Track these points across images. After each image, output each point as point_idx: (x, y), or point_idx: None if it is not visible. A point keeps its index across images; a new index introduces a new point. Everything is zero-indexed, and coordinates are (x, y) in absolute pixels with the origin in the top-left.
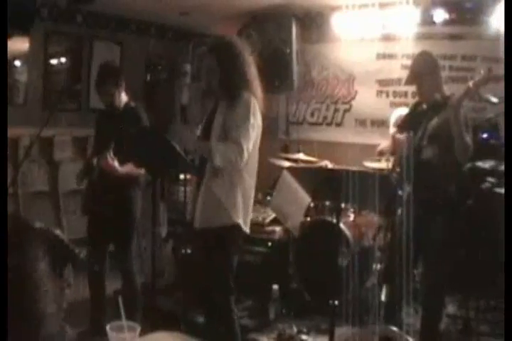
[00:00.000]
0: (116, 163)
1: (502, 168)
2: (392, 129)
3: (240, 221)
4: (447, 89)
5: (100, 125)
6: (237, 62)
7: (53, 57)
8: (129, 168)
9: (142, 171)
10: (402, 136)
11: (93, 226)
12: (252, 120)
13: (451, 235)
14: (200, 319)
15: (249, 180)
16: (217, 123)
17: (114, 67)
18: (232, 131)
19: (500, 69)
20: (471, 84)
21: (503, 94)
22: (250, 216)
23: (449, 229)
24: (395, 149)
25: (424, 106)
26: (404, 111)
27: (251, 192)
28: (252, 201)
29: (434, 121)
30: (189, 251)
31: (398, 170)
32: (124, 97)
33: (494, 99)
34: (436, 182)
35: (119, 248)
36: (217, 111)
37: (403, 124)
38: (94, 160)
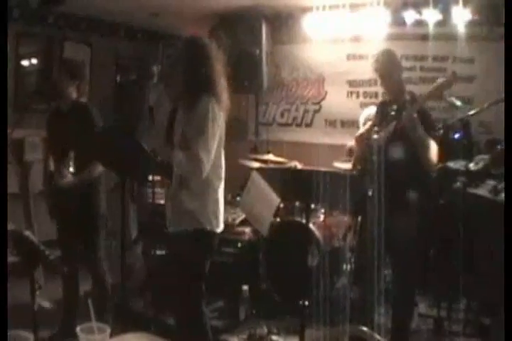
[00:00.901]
0: (69, 176)
1: (473, 167)
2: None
3: (211, 224)
4: (418, 90)
5: (51, 126)
6: (206, 64)
7: (24, 58)
8: (85, 176)
9: (99, 172)
10: (368, 136)
11: (61, 228)
12: (210, 128)
13: (422, 235)
14: (171, 320)
15: (217, 182)
16: (177, 130)
17: (72, 62)
18: (191, 141)
19: (471, 69)
20: (433, 87)
21: (473, 93)
22: (222, 216)
23: (421, 229)
24: (360, 149)
25: (394, 106)
26: (373, 109)
27: (220, 193)
28: (221, 201)
29: (399, 121)
30: (159, 252)
31: (359, 167)
32: (74, 94)
33: (458, 103)
34: (401, 182)
35: (87, 249)
36: (177, 114)
37: (374, 123)
38: (51, 165)
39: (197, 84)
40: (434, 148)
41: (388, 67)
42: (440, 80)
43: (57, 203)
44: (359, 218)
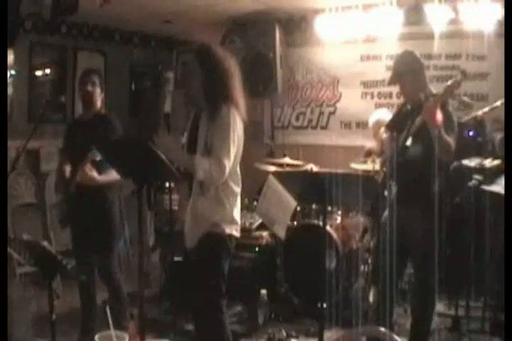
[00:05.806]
0: (95, 173)
1: (488, 165)
2: (372, 130)
3: (231, 228)
4: (433, 89)
5: (70, 135)
6: (220, 72)
7: (38, 68)
8: (110, 177)
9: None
10: (387, 137)
11: (75, 237)
12: (231, 135)
13: (438, 233)
14: (190, 326)
15: (236, 188)
16: (201, 138)
17: (95, 70)
18: (213, 147)
19: (484, 67)
20: (443, 90)
21: (488, 91)
22: (239, 221)
23: (437, 228)
24: (381, 150)
25: (408, 106)
26: (383, 111)
27: (238, 200)
28: (239, 207)
29: (417, 122)
30: (177, 259)
31: (385, 170)
32: (99, 103)
33: (467, 100)
34: (421, 182)
35: (101, 257)
36: (200, 123)
37: (390, 124)
38: (67, 172)
39: (216, 93)
40: (451, 148)
41: (408, 68)
42: (449, 82)
43: (71, 210)
44: (376, 219)
